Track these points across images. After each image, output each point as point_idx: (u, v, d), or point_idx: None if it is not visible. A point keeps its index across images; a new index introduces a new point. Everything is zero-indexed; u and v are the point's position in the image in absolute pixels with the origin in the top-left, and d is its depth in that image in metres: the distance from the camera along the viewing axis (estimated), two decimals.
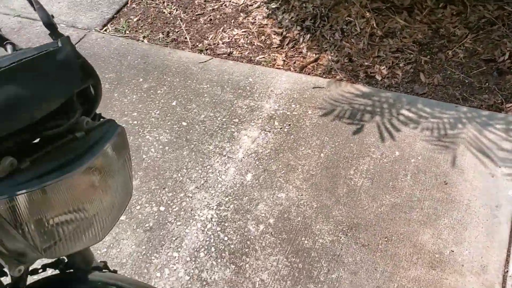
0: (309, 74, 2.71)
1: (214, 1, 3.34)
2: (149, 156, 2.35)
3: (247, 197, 2.12)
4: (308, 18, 3.02)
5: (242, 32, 3.05)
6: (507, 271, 1.78)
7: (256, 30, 3.04)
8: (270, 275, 1.84)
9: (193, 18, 3.24)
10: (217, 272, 1.88)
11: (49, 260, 1.04)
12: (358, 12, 2.96)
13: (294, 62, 2.79)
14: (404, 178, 2.12)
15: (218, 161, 2.29)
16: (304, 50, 2.85)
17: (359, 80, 2.64)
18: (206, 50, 2.96)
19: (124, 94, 2.67)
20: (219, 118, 2.49)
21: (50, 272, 1.04)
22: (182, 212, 2.10)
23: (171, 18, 3.26)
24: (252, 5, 3.24)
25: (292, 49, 2.88)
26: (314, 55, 2.81)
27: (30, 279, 0.93)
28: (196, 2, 3.36)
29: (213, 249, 1.96)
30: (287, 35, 2.97)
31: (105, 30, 3.17)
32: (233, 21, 3.16)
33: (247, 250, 1.94)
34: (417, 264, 1.83)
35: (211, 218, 2.07)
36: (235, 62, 2.83)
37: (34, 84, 0.74)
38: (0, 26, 3.12)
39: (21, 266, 0.80)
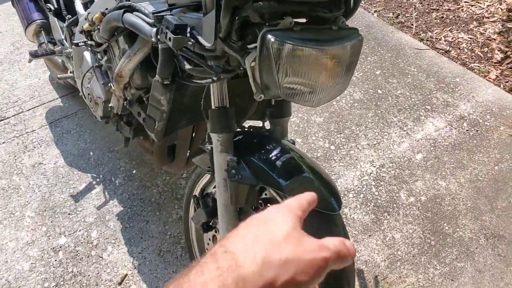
0: None
1: (452, 2, 3.43)
2: (339, 104, 2.64)
3: (409, 171, 2.29)
4: None
5: (468, 37, 3.11)
6: None
7: (483, 40, 3.08)
8: (402, 237, 2.01)
9: (427, 10, 3.38)
10: (358, 213, 2.11)
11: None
12: None
13: (507, 81, 2.79)
14: None
15: (396, 133, 2.48)
16: None
17: None
18: (427, 40, 3.10)
19: None
20: (413, 99, 2.66)
21: None
22: (348, 158, 2.37)
23: (406, 4, 3.45)
24: (489, 17, 3.26)
25: (510, 69, 2.87)
26: None
27: None
28: None
29: (362, 195, 2.19)
30: (511, 55, 2.95)
31: None
32: (463, 25, 3.23)
33: (391, 210, 2.13)
34: None
35: (370, 173, 2.29)
36: (449, 60, 2.94)
37: None
38: None
39: (261, 94, 1.12)
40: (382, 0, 3.48)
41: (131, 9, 1.28)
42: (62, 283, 1.89)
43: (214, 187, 1.56)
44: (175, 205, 2.16)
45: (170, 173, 2.29)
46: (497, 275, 1.88)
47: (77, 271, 1.93)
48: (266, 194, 1.50)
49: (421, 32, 3.18)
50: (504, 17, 3.23)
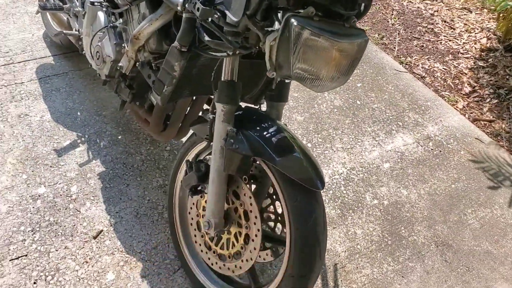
0: (478, 127, 2.96)
1: (433, 34, 3.70)
2: (320, 108, 2.82)
3: (376, 177, 2.48)
4: (503, 88, 3.24)
5: (443, 68, 3.37)
6: None
7: (455, 73, 3.35)
8: (363, 234, 2.19)
9: (409, 37, 3.63)
10: (326, 207, 2.26)
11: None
12: None
13: (472, 113, 3.06)
14: (508, 240, 2.30)
15: (368, 141, 2.68)
16: (485, 109, 3.10)
17: None
18: (406, 64, 3.34)
19: None
20: (387, 114, 2.87)
21: None
22: (322, 156, 2.53)
23: (391, 29, 3.69)
24: (463, 53, 3.54)
25: (475, 102, 3.14)
26: (491, 117, 3.04)
27: None
28: (418, 28, 3.75)
29: (331, 192, 2.35)
30: (478, 90, 3.23)
31: None
32: (440, 56, 3.50)
33: (356, 208, 2.30)
34: None
35: (341, 173, 2.47)
36: (423, 85, 3.18)
37: None
38: None
39: (274, 72, 1.25)
40: (371, 22, 3.71)
41: None
42: (38, 229, 1.94)
43: (209, 154, 1.69)
44: (157, 174, 2.25)
45: (154, 144, 2.38)
46: (442, 277, 2.08)
47: (54, 221, 1.98)
48: (252, 171, 1.64)
49: (401, 56, 3.41)
50: (477, 56, 3.52)
